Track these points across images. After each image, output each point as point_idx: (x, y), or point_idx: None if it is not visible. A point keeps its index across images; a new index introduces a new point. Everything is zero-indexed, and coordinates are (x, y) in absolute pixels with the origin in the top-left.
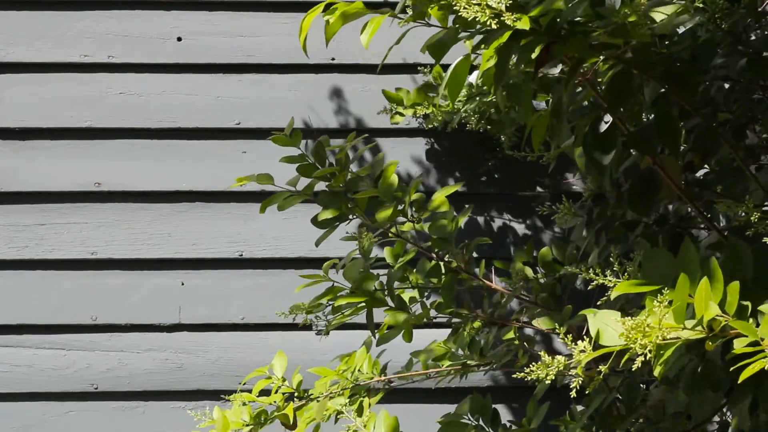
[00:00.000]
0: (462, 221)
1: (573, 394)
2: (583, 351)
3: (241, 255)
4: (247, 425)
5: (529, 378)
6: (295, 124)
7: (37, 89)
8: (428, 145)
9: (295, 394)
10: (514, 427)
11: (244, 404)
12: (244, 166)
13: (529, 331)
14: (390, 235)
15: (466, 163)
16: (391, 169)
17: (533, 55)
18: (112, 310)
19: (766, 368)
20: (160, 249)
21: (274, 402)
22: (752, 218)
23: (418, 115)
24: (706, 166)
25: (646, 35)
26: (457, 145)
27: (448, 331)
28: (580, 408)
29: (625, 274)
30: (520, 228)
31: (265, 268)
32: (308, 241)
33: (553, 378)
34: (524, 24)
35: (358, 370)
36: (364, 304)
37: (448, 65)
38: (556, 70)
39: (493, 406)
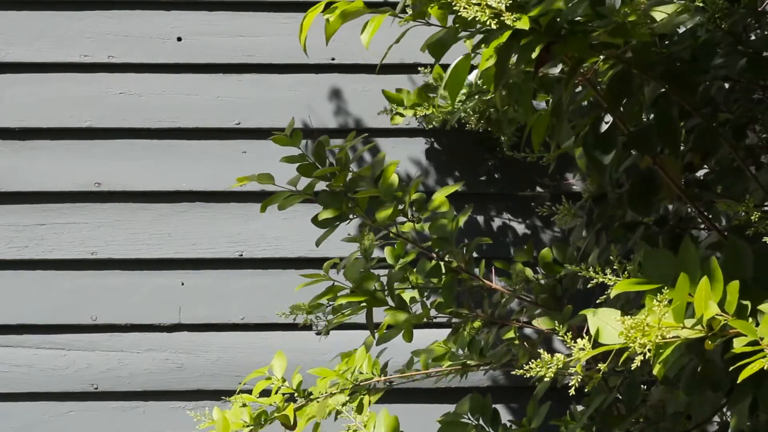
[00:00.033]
0: (462, 221)
1: (572, 392)
2: (582, 349)
3: (241, 255)
4: (247, 426)
5: (529, 375)
6: (295, 124)
7: (37, 89)
8: (428, 145)
9: (295, 395)
10: (514, 427)
11: (244, 405)
12: (244, 166)
13: (528, 331)
14: (391, 234)
15: (466, 163)
16: (391, 169)
17: (533, 55)
18: (112, 310)
19: (765, 368)
20: (160, 249)
21: (274, 403)
22: (752, 217)
23: (418, 116)
24: (706, 166)
25: (646, 35)
26: (456, 145)
27: (449, 330)
28: (580, 408)
29: (625, 272)
30: (520, 228)
31: (265, 268)
32: (308, 241)
33: (553, 376)
34: (524, 24)
35: (358, 371)
36: (364, 303)
37: (448, 65)
38: (556, 70)
39: (493, 406)
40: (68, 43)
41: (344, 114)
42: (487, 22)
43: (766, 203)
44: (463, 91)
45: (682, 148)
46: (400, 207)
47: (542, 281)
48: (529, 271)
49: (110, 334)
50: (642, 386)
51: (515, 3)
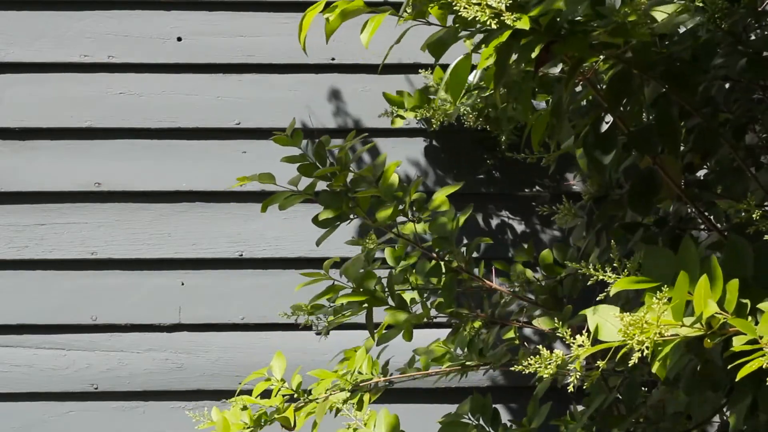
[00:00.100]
0: (463, 220)
1: (571, 389)
2: (581, 346)
3: (241, 255)
4: (247, 427)
5: (528, 372)
6: (295, 124)
7: (37, 89)
8: (428, 145)
9: (295, 395)
10: (514, 427)
11: (245, 408)
12: (244, 166)
13: (529, 331)
14: (392, 235)
15: (466, 164)
16: (391, 169)
17: (533, 55)
18: (112, 310)
19: (764, 366)
20: (160, 249)
21: (274, 404)
22: (754, 215)
23: (418, 118)
24: (706, 166)
25: (646, 35)
26: (456, 145)
27: (449, 330)
28: (580, 408)
29: (625, 271)
30: (520, 228)
31: (265, 268)
32: (308, 241)
33: (552, 374)
34: (524, 24)
35: (358, 371)
36: (365, 304)
37: (448, 65)
38: (556, 70)
39: (493, 406)
40: (68, 43)
41: (344, 114)
42: (487, 22)
43: (766, 203)
44: None
45: (682, 148)
46: (401, 207)
47: (542, 282)
48: (529, 272)
49: (110, 334)
50: (642, 388)
51: (515, 3)
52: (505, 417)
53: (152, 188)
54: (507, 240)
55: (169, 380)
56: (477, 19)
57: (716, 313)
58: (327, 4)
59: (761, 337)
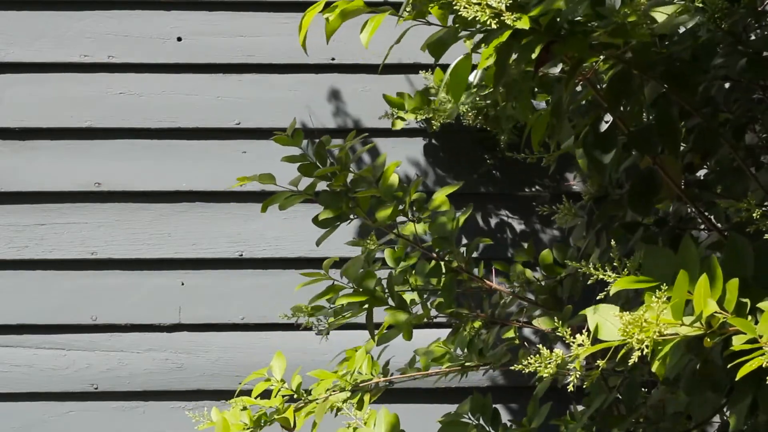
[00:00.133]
0: (463, 220)
1: (570, 388)
2: (581, 345)
3: (241, 255)
4: (247, 428)
5: (528, 372)
6: (296, 125)
7: (37, 89)
8: (428, 145)
9: (295, 396)
10: (514, 427)
11: (244, 408)
12: (244, 166)
13: (528, 331)
14: (392, 236)
15: (466, 163)
16: (391, 169)
17: (533, 55)
18: (112, 310)
19: (764, 365)
20: (160, 249)
21: (274, 405)
22: (754, 214)
23: (419, 120)
24: (706, 166)
25: (646, 35)
26: (456, 145)
27: (449, 330)
28: (580, 408)
29: (625, 270)
30: (519, 228)
31: (265, 268)
32: (308, 241)
33: (552, 373)
34: (524, 24)
35: (357, 371)
36: (365, 305)
37: (448, 65)
38: (556, 70)
39: (493, 405)
40: (68, 43)
41: (344, 114)
42: (488, 22)
43: (766, 203)
44: None
45: (682, 148)
46: (401, 207)
47: (542, 282)
48: (529, 272)
49: (110, 334)
50: (642, 388)
51: (515, 3)
52: (505, 417)
53: (152, 188)
54: (507, 240)
55: (169, 380)
56: (477, 19)
57: (716, 312)
58: (327, 4)
59: (761, 337)
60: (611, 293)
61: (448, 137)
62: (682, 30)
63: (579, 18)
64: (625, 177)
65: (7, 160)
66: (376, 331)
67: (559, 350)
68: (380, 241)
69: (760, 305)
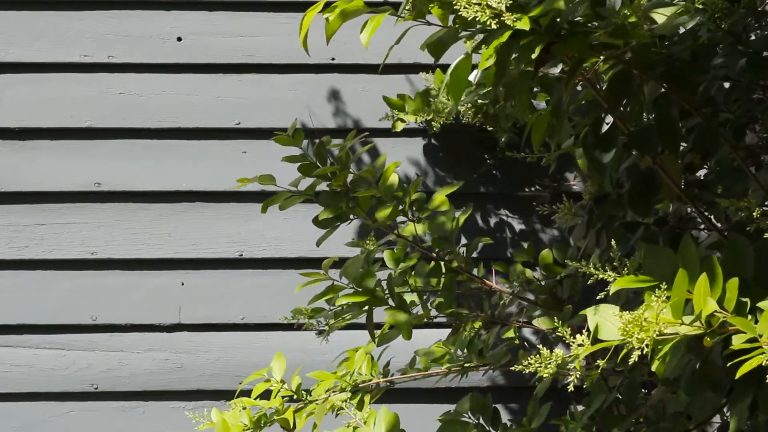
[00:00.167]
0: (462, 220)
1: (571, 388)
2: (581, 345)
3: (241, 255)
4: (247, 429)
5: (528, 372)
6: (296, 125)
7: (37, 89)
8: (428, 145)
9: (294, 397)
10: (514, 427)
11: (244, 408)
12: (244, 166)
13: (529, 332)
14: (393, 236)
15: (466, 163)
16: (390, 169)
17: (533, 56)
18: (112, 310)
19: (764, 364)
20: (160, 249)
21: (274, 406)
22: (755, 213)
23: (419, 122)
24: (706, 166)
25: (646, 36)
26: (456, 145)
27: (450, 330)
28: (580, 408)
29: (625, 270)
30: (519, 228)
31: (265, 268)
32: (308, 241)
33: (552, 373)
34: (524, 24)
35: (357, 372)
36: (365, 307)
37: (448, 65)
38: (556, 70)
39: (493, 405)
40: (68, 43)
41: (344, 114)
42: (488, 23)
43: (766, 203)
44: None
45: (682, 148)
46: (401, 207)
47: (542, 282)
48: (528, 272)
49: (110, 334)
50: (643, 390)
51: (515, 3)
52: (505, 417)
53: (152, 188)
54: (506, 240)
55: (169, 380)
56: (477, 19)
57: (716, 311)
58: (327, 4)
59: (761, 336)
60: (611, 293)
61: (448, 137)
62: (682, 30)
63: (579, 18)
64: (625, 177)
65: (7, 160)
66: (378, 332)
67: (559, 351)
68: (380, 242)
69: (760, 304)
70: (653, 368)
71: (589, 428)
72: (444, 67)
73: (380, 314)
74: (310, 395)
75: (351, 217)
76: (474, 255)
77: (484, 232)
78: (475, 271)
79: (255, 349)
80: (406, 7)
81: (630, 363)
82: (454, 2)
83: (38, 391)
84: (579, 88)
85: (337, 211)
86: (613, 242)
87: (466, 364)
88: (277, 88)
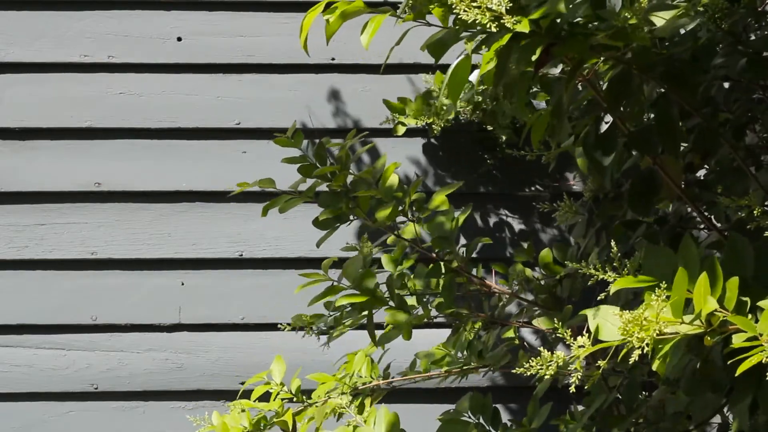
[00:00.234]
0: (462, 219)
1: (572, 389)
2: (582, 346)
3: (241, 255)
4: (246, 431)
5: (529, 374)
6: (296, 125)
7: (37, 89)
8: (428, 145)
9: (294, 399)
10: (514, 427)
11: (243, 411)
12: (244, 166)
13: (528, 332)
14: (393, 237)
15: (466, 163)
16: (390, 170)
17: (533, 57)
18: (112, 310)
19: (764, 361)
20: (160, 249)
21: (273, 408)
22: (755, 212)
23: (419, 124)
24: (706, 166)
25: (646, 39)
26: (456, 145)
27: (450, 330)
28: (580, 408)
29: (625, 270)
30: (519, 228)
31: (265, 268)
32: (308, 241)
33: (553, 374)
34: (524, 27)
35: (357, 374)
36: (365, 312)
37: (448, 65)
38: (556, 70)
39: (493, 405)
40: (68, 43)
41: (344, 114)
42: (488, 25)
43: (766, 203)
44: None
45: (682, 148)
46: (400, 207)
47: (542, 281)
48: (528, 271)
49: (110, 334)
50: (643, 392)
51: (516, 5)
52: (505, 417)
53: (152, 188)
54: (506, 240)
55: (169, 380)
56: (477, 21)
57: (716, 310)
58: (327, 5)
59: (761, 335)
60: (611, 293)
61: (448, 137)
62: (682, 31)
63: (579, 20)
64: (626, 177)
65: (7, 160)
66: (380, 332)
67: (560, 352)
68: (376, 242)
69: (760, 303)
70: (654, 368)
71: (589, 428)
72: (445, 67)
73: (380, 317)
74: (310, 397)
75: (351, 217)
76: (474, 255)
77: (483, 232)
78: (474, 272)
79: (255, 349)
80: (406, 7)
81: (630, 363)
82: (453, 6)
83: (38, 391)
84: (579, 87)
85: (336, 212)
86: (613, 242)
87: (465, 367)
88: (277, 88)
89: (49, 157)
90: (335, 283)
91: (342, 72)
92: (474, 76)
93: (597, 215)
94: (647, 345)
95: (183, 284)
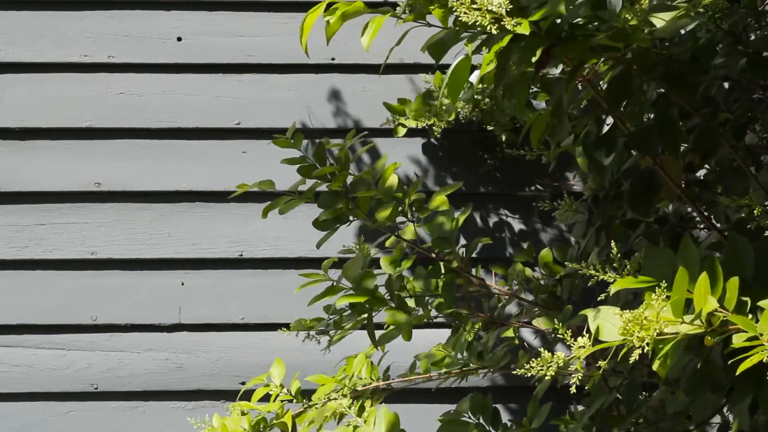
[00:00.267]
0: (462, 220)
1: (573, 390)
2: (582, 346)
3: (241, 255)
4: None
5: (529, 374)
6: (296, 125)
7: (37, 89)
8: (427, 145)
9: (294, 401)
10: (514, 427)
11: (243, 414)
12: (244, 166)
13: (528, 332)
14: (393, 238)
15: (466, 163)
16: (390, 170)
17: (534, 59)
18: (112, 310)
19: (764, 360)
20: (160, 249)
21: (273, 410)
22: (756, 211)
23: (420, 126)
24: (706, 166)
25: (647, 40)
26: (456, 145)
27: (450, 330)
28: (580, 408)
29: (625, 270)
30: (519, 228)
31: (265, 268)
32: (308, 242)
33: (553, 375)
34: (524, 29)
35: (357, 376)
36: (365, 315)
37: (449, 65)
38: (556, 71)
39: (493, 405)
40: (68, 43)
41: (344, 114)
42: (488, 27)
43: (766, 203)
44: None
45: (682, 148)
46: (400, 208)
47: (542, 281)
48: (528, 271)
49: (110, 334)
50: (643, 392)
51: (516, 7)
52: (505, 417)
53: (152, 188)
54: (506, 240)
55: (169, 380)
56: (477, 23)
57: (716, 310)
58: (328, 6)
59: (761, 335)
60: (611, 293)
61: (448, 137)
62: (682, 32)
63: (579, 21)
64: (626, 177)
65: (7, 160)
66: (381, 332)
67: (560, 353)
68: (374, 243)
69: (760, 303)
70: (654, 368)
71: (589, 428)
72: (445, 68)
73: (379, 319)
74: (310, 399)
75: (351, 218)
76: (474, 255)
77: (483, 232)
78: (474, 272)
79: (255, 349)
80: (406, 7)
81: (630, 363)
82: (454, 8)
83: (38, 391)
84: (579, 87)
85: (336, 213)
86: (612, 242)
87: (465, 368)
88: (277, 88)
89: (49, 157)
90: (335, 284)
91: (342, 72)
92: (474, 77)
93: (597, 215)
94: (647, 344)
95: (183, 284)
